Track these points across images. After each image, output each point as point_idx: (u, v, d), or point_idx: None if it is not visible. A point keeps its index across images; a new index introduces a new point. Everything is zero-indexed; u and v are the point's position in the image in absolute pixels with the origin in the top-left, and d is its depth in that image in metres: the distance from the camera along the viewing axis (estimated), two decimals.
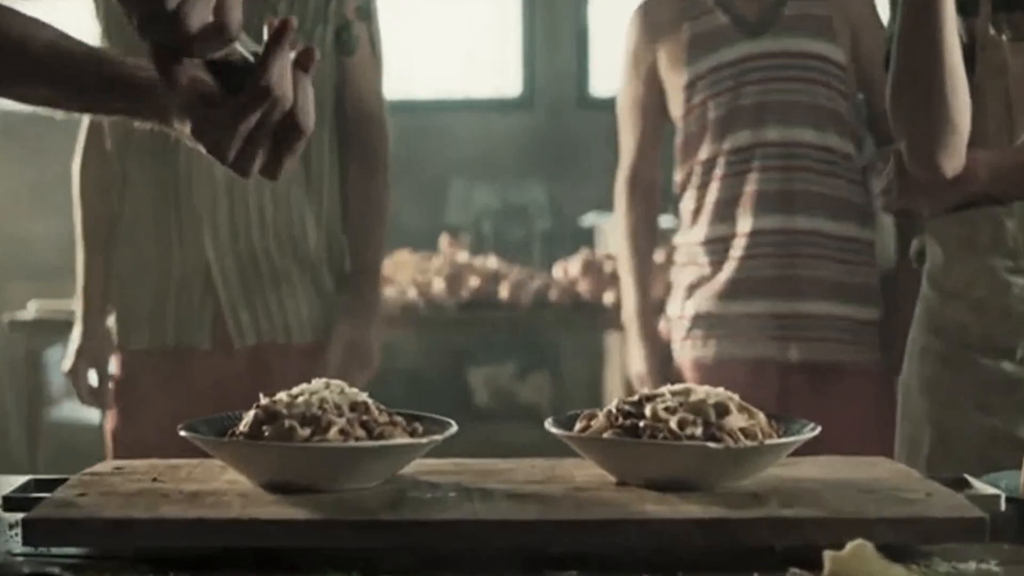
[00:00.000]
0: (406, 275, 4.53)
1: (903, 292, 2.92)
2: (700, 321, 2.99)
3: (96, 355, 2.81)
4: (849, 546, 1.07)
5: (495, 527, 1.22)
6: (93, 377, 2.80)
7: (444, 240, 5.02)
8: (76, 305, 2.85)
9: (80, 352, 2.81)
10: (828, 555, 1.06)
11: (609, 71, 6.34)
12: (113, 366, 2.79)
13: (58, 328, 2.88)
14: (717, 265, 2.97)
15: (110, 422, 2.80)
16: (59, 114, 1.46)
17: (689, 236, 3.05)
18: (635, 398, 1.39)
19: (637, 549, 1.23)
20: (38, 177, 5.31)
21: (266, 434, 1.33)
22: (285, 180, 2.68)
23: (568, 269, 4.63)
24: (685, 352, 3.02)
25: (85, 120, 2.82)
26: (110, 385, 2.79)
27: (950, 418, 1.96)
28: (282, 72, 1.24)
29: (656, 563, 1.22)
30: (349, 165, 2.77)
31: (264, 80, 1.22)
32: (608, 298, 4.38)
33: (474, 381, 6.22)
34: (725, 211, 2.95)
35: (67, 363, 2.82)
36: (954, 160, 1.80)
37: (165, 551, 1.24)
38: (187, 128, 1.27)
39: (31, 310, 4.47)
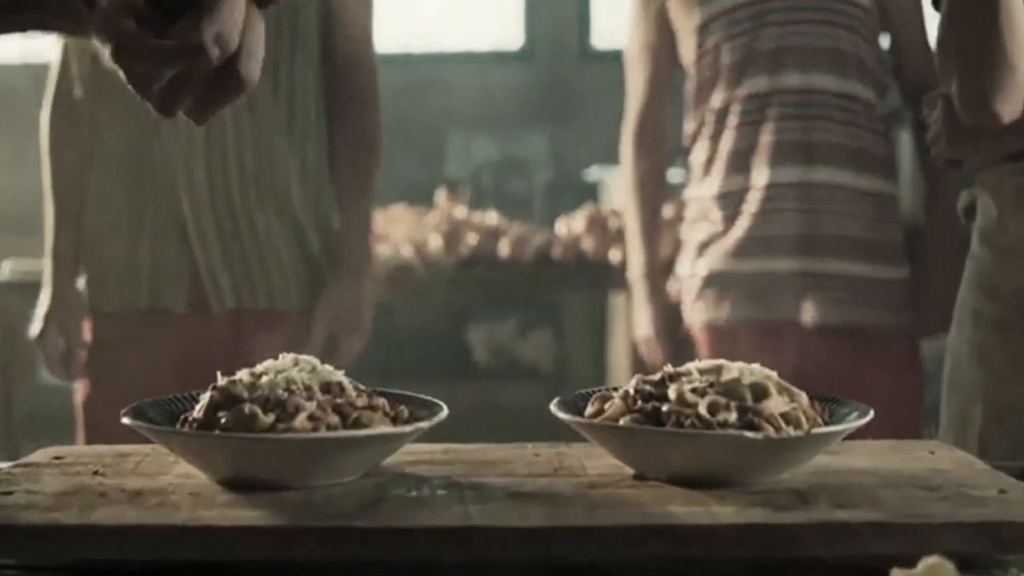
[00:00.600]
0: (401, 231, 4.33)
1: (932, 250, 2.78)
2: (712, 281, 2.79)
3: (66, 320, 2.61)
4: (923, 565, 0.88)
5: (493, 535, 1.02)
6: (63, 344, 2.61)
7: (441, 194, 4.82)
8: (45, 266, 2.65)
9: (49, 317, 2.61)
10: (897, 575, 0.87)
11: (612, 23, 6.17)
12: (84, 332, 2.60)
13: (35, 290, 2.68)
14: (730, 220, 2.77)
15: (81, 392, 2.61)
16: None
17: (700, 190, 2.85)
18: (657, 377, 1.19)
19: (661, 560, 1.03)
20: (8, 127, 5.08)
21: (223, 421, 1.13)
22: (267, 129, 2.49)
23: (571, 225, 4.44)
24: (696, 314, 2.83)
25: (54, 68, 2.63)
26: (81, 353, 2.60)
27: (1005, 391, 1.75)
28: (231, 20, 1.04)
29: (685, 575, 1.03)
30: (336, 111, 2.57)
31: (201, 29, 1.02)
32: (614, 256, 4.19)
33: (474, 339, 6.03)
34: (739, 163, 2.76)
35: (35, 329, 2.63)
36: (1010, 104, 1.60)
37: (100, 562, 1.04)
38: (107, 50, 1.06)
39: (6, 270, 4.27)
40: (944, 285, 2.85)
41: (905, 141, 3.19)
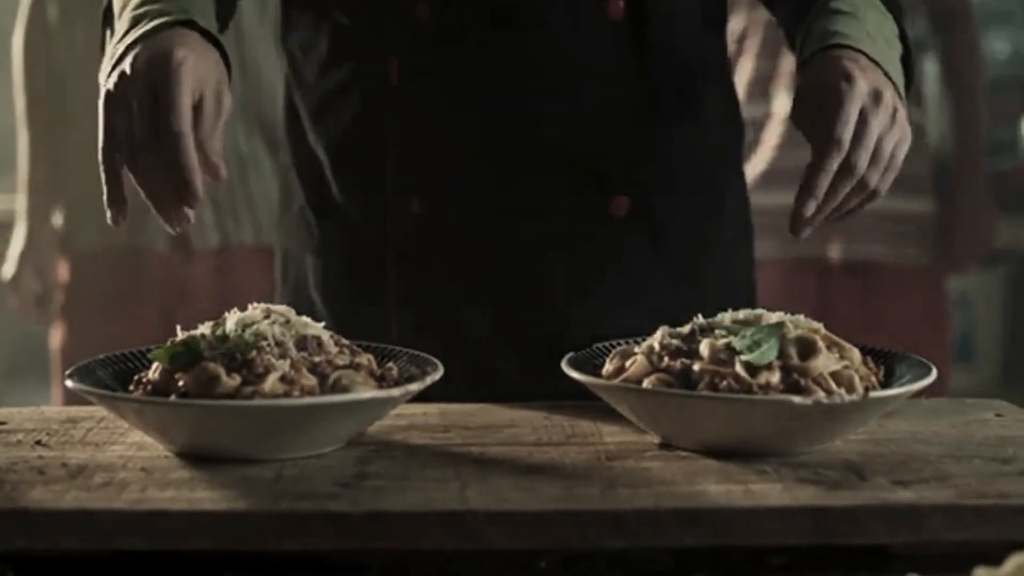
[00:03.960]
0: None
1: (959, 184, 2.64)
2: None
3: (41, 259, 2.44)
4: (1013, 564, 0.73)
5: (493, 521, 0.86)
6: (38, 287, 2.44)
7: None
8: (19, 202, 2.49)
9: (24, 256, 2.45)
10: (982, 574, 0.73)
11: None
12: (60, 273, 2.44)
13: (7, 230, 2.52)
14: (749, 152, 2.61)
15: (57, 337, 2.45)
16: None
17: None
18: (686, 330, 1.02)
19: (694, 548, 0.87)
20: None
21: (180, 384, 0.96)
22: (253, 50, 2.31)
23: None
24: None
25: None
26: (57, 296, 2.44)
27: None
28: None
29: (721, 566, 0.88)
30: None
31: None
32: None
33: None
34: (757, 91, 2.59)
35: (8, 269, 2.46)
36: None
37: (35, 552, 0.88)
38: None
39: None
40: (972, 219, 2.71)
41: (930, 71, 3.01)
